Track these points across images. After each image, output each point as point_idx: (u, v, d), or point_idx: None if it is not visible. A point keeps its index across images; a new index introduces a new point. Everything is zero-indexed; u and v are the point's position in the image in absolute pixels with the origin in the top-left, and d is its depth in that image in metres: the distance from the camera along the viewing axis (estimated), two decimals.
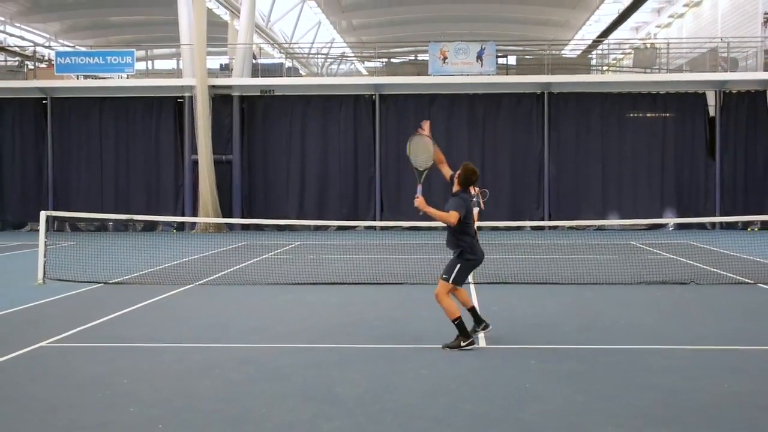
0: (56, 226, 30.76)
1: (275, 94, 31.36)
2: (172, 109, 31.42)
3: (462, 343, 9.15)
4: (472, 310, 9.66)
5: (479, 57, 29.99)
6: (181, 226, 30.72)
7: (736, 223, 28.71)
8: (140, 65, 36.25)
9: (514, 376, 8.04)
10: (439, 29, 49.86)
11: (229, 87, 31.08)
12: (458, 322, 9.16)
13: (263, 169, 31.43)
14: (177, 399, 7.36)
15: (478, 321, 9.63)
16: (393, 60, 39.04)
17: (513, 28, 51.33)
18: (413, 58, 42.54)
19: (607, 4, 44.59)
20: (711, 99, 30.47)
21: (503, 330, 10.42)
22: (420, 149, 9.42)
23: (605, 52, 40.13)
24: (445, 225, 9.26)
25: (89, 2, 45.11)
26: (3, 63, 37.40)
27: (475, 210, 23.81)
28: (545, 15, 49.06)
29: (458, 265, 9.21)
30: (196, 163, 30.13)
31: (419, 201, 9.14)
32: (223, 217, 29.74)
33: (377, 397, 7.36)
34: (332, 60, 42.83)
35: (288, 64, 37.34)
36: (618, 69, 37.36)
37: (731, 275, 15.71)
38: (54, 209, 29.00)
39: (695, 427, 6.45)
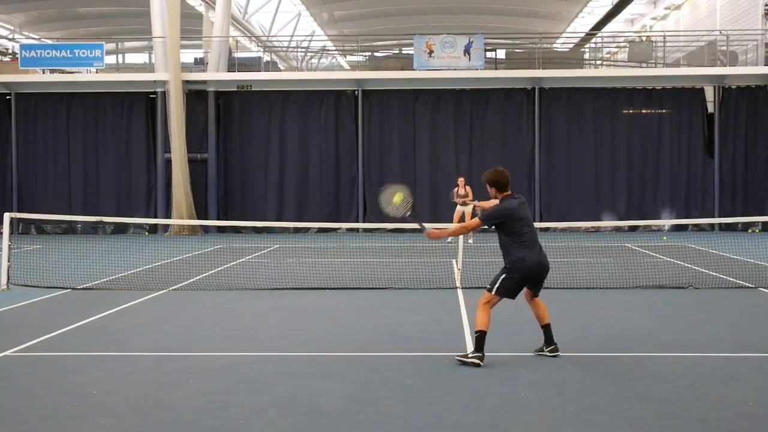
0: (21, 228, 30.53)
1: (253, 89, 31.29)
2: (144, 105, 31.28)
3: (469, 356, 8.87)
4: (546, 327, 9.37)
5: (467, 51, 30.01)
6: (153, 229, 30.62)
7: (736, 224, 28.78)
8: (110, 59, 35.97)
9: (502, 385, 8.08)
10: (424, 21, 49.91)
11: (204, 82, 30.99)
12: (478, 335, 8.91)
13: (240, 169, 31.34)
14: (150, 410, 7.36)
15: (548, 341, 9.32)
16: (376, 54, 39.15)
17: (502, 21, 51.39)
18: (398, 51, 42.56)
19: None
20: (709, 94, 30.59)
21: (491, 337, 10.45)
22: (387, 200, 10.06)
23: (599, 45, 40.23)
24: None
25: None
26: None
27: (465, 209, 24.00)
28: (535, 6, 49.18)
29: (502, 276, 9.22)
30: (169, 162, 30.02)
31: (431, 233, 9.53)
32: (198, 218, 29.61)
33: (360, 407, 7.39)
34: (313, 54, 42.82)
35: (266, 58, 37.30)
36: (612, 63, 37.43)
37: (731, 279, 15.81)
38: (18, 211, 28.76)
39: None
